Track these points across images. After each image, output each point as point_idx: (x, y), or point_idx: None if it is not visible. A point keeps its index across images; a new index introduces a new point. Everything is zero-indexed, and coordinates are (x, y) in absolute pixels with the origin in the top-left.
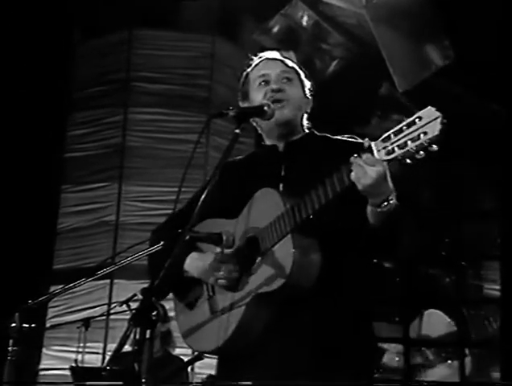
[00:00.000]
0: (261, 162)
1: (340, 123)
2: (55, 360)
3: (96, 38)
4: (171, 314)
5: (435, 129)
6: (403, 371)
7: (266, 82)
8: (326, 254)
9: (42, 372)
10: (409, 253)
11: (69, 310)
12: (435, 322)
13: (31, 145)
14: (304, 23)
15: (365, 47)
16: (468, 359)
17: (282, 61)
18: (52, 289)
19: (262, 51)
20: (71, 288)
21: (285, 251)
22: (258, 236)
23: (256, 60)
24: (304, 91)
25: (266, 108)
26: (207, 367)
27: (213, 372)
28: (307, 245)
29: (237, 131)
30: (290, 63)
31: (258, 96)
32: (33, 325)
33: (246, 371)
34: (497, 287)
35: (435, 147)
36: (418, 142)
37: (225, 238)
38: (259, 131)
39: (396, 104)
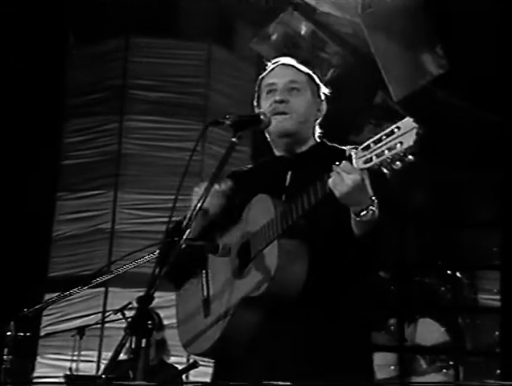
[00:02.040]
0: (268, 172)
1: (335, 131)
2: (50, 368)
3: (92, 45)
4: (166, 322)
5: (410, 139)
6: (399, 379)
7: (273, 91)
8: (315, 261)
9: (36, 380)
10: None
11: (64, 318)
12: (429, 331)
13: (27, 151)
14: (302, 32)
15: (360, 56)
16: (461, 369)
17: (295, 67)
18: (47, 297)
19: (274, 57)
20: (66, 296)
21: (270, 256)
22: (250, 240)
23: (270, 66)
24: (314, 99)
25: (262, 116)
26: (202, 375)
27: (208, 380)
28: (294, 251)
29: (234, 140)
30: (304, 69)
31: (265, 105)
32: (28, 333)
33: (237, 376)
34: (493, 297)
35: (411, 158)
36: (394, 152)
37: (221, 247)
38: (269, 140)
39: (390, 113)
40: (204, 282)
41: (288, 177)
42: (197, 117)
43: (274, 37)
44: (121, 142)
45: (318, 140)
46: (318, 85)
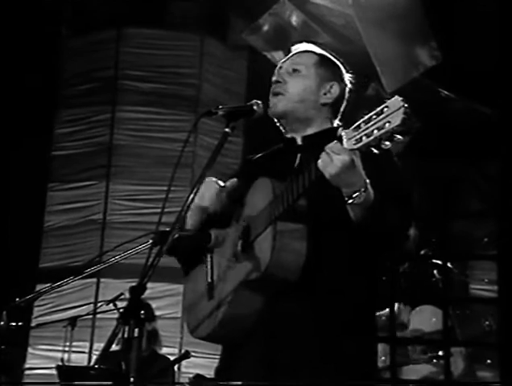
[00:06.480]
0: (280, 155)
1: None
2: (41, 359)
3: (84, 35)
4: (157, 313)
5: (397, 118)
6: (390, 371)
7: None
8: (316, 243)
9: (27, 372)
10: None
11: (55, 308)
12: (428, 317)
13: (18, 142)
14: (294, 23)
15: (353, 48)
16: (453, 359)
17: (306, 51)
18: (38, 287)
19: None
20: (59, 286)
21: (268, 239)
22: (250, 224)
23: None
24: (320, 82)
25: (255, 107)
26: (193, 366)
27: (200, 372)
28: (291, 233)
29: (227, 130)
30: (317, 53)
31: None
32: (20, 323)
33: (241, 361)
34: (484, 287)
35: (399, 137)
36: (383, 131)
37: (213, 237)
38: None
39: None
40: (209, 266)
41: (297, 160)
42: (189, 107)
43: (265, 28)
44: (113, 133)
45: (334, 125)
46: (332, 70)
